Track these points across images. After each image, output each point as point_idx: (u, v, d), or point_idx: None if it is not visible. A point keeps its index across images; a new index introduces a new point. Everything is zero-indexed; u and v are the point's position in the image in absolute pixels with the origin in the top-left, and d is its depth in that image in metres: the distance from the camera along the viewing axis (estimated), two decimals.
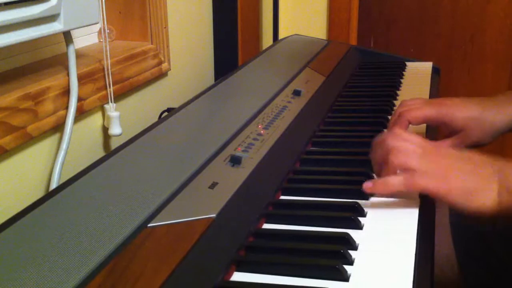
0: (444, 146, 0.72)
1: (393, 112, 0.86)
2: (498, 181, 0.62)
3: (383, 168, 0.68)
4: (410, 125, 0.81)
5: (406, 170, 0.65)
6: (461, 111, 0.81)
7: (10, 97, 0.74)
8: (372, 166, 0.72)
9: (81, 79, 0.86)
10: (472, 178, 0.63)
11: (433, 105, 0.82)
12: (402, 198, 0.67)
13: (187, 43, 1.29)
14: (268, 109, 0.89)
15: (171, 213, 0.57)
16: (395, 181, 0.64)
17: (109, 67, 0.92)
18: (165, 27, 1.12)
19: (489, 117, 0.80)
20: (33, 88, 0.78)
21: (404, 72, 1.25)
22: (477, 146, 0.81)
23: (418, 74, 1.25)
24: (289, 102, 0.94)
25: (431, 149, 0.67)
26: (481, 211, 0.61)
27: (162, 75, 1.16)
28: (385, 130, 0.84)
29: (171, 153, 0.73)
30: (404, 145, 0.66)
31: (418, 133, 0.86)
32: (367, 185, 0.66)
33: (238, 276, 0.54)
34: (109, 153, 0.71)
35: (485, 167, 0.64)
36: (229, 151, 0.72)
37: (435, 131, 0.90)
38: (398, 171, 0.66)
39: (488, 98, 0.84)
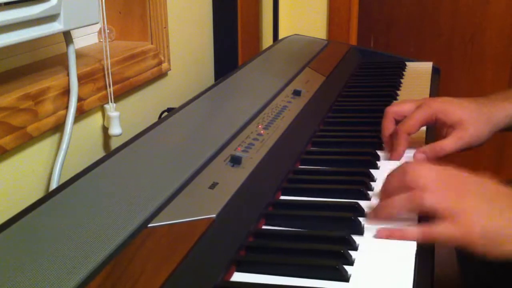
0: (461, 175, 0.63)
1: (384, 117, 0.84)
2: None
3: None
4: (412, 133, 0.80)
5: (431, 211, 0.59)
6: (455, 107, 0.79)
7: (10, 97, 0.74)
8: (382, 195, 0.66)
9: (81, 79, 0.86)
10: (496, 222, 0.57)
11: (425, 105, 0.80)
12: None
13: (187, 43, 1.29)
14: (268, 109, 0.89)
15: (171, 213, 0.57)
16: (414, 231, 0.59)
17: (109, 67, 0.92)
18: (165, 27, 1.12)
19: (484, 114, 0.79)
20: (33, 88, 0.78)
21: (404, 72, 1.25)
22: (474, 145, 0.79)
23: (418, 74, 1.25)
24: (289, 102, 0.94)
25: (456, 183, 0.61)
26: (506, 257, 0.56)
27: (162, 75, 1.16)
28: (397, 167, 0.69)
29: (171, 153, 0.73)
30: (419, 196, 0.60)
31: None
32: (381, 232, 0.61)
33: (238, 276, 0.54)
34: (109, 153, 0.71)
35: (509, 208, 0.59)
36: (229, 151, 0.72)
37: (434, 132, 0.90)
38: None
39: (483, 97, 0.83)
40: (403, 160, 0.80)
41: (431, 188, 0.59)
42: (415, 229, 0.59)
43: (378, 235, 0.59)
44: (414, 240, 0.58)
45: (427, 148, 0.79)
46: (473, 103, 0.80)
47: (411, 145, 0.81)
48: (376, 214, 0.63)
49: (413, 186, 0.60)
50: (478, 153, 1.88)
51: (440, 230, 0.58)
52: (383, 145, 0.84)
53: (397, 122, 0.83)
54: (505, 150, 1.91)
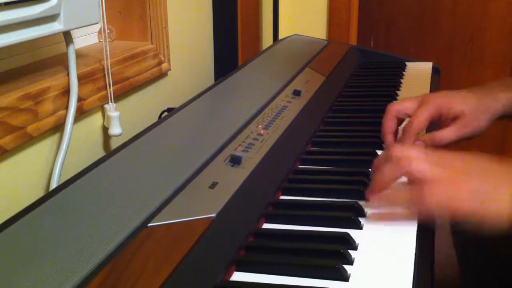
0: (447, 153, 0.66)
1: (385, 115, 0.83)
2: (510, 185, 0.58)
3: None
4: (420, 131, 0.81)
5: (417, 178, 0.61)
6: (456, 99, 0.81)
7: (10, 97, 0.74)
8: (372, 182, 0.66)
9: (81, 79, 0.86)
10: (484, 182, 0.58)
11: (428, 102, 0.81)
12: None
13: (187, 43, 1.29)
14: (268, 109, 0.89)
15: (171, 213, 0.57)
16: (401, 194, 0.62)
17: (109, 67, 0.92)
18: (165, 27, 1.12)
19: (482, 102, 0.81)
20: (33, 88, 0.78)
21: (404, 72, 1.25)
22: (474, 135, 0.81)
23: (418, 74, 1.25)
24: (289, 102, 0.94)
25: (438, 157, 0.63)
26: (494, 219, 0.56)
27: (162, 75, 1.16)
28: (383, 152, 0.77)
29: (171, 153, 0.73)
30: (412, 153, 0.63)
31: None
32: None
33: (238, 276, 0.54)
34: (109, 153, 0.71)
35: (495, 170, 0.61)
36: (229, 151, 0.72)
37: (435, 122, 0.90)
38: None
39: (480, 87, 0.85)
40: None
41: (418, 157, 0.61)
42: (404, 194, 0.61)
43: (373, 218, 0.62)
44: (406, 212, 0.60)
45: (427, 137, 0.80)
46: (471, 94, 0.83)
47: None
48: (372, 188, 0.64)
49: (400, 157, 0.62)
50: (480, 145, 1.88)
51: (429, 197, 0.58)
52: (383, 145, 0.84)
53: (399, 120, 0.83)
54: (506, 150, 1.90)
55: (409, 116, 0.81)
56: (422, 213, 0.60)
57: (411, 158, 0.61)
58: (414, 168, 0.61)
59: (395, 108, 0.82)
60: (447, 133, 0.80)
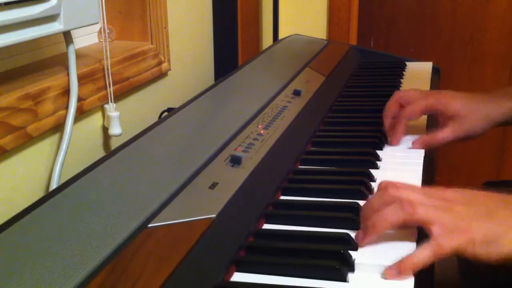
0: (448, 193, 0.61)
1: (390, 98, 0.88)
2: None
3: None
4: (410, 120, 0.85)
5: (421, 224, 0.57)
6: (456, 100, 0.84)
7: (10, 97, 0.74)
8: (362, 219, 0.61)
9: (81, 79, 0.86)
10: (492, 224, 0.56)
11: (429, 96, 0.85)
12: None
13: (187, 43, 1.29)
14: (268, 109, 0.89)
15: (171, 213, 0.57)
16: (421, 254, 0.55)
17: (109, 67, 0.92)
18: (165, 27, 1.12)
19: (482, 107, 0.83)
20: (33, 88, 0.78)
21: (404, 72, 1.25)
22: (470, 137, 0.84)
23: (418, 74, 1.25)
24: (289, 102, 0.94)
25: (440, 199, 0.59)
26: (505, 260, 0.55)
27: (162, 75, 1.16)
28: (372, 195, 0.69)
29: (171, 153, 0.73)
30: (412, 196, 0.58)
31: (418, 127, 0.88)
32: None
33: (238, 276, 0.54)
34: (109, 153, 0.71)
35: (499, 210, 0.57)
36: (229, 151, 0.72)
37: (435, 123, 0.91)
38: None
39: (484, 93, 0.87)
40: (401, 151, 0.84)
41: (421, 202, 0.57)
42: (422, 252, 0.55)
43: (387, 276, 0.53)
44: (427, 264, 0.54)
45: (426, 138, 0.84)
46: (473, 98, 0.85)
47: (412, 132, 0.86)
48: (366, 233, 0.58)
49: (398, 200, 0.57)
50: (479, 154, 1.88)
51: (447, 243, 0.54)
52: (383, 128, 0.88)
53: (401, 106, 0.87)
54: (506, 150, 1.90)
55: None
56: (436, 258, 0.55)
57: (414, 202, 0.57)
58: (420, 214, 0.56)
59: (400, 95, 0.87)
60: (444, 133, 0.83)
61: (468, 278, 0.96)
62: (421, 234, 0.60)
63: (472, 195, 0.60)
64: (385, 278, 0.53)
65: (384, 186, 0.60)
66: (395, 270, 0.53)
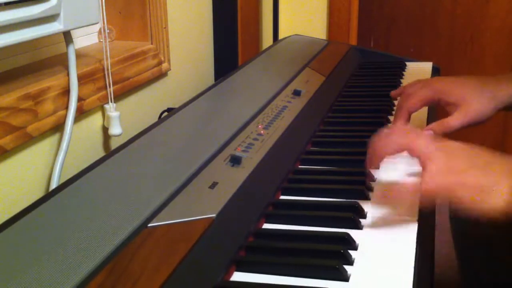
0: (452, 142, 0.65)
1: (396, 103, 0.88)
2: (509, 180, 0.57)
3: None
4: (413, 110, 0.83)
5: (419, 155, 0.60)
6: (458, 85, 0.82)
7: (10, 97, 0.74)
8: (372, 150, 0.65)
9: (81, 79, 0.86)
10: (485, 175, 0.58)
11: (428, 85, 0.84)
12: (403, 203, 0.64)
13: (187, 43, 1.29)
14: (268, 109, 0.89)
15: (171, 213, 0.57)
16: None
17: (109, 67, 0.92)
18: (165, 27, 1.12)
19: (488, 91, 0.81)
20: (33, 88, 0.78)
21: (404, 72, 1.25)
22: (479, 121, 0.81)
23: (418, 74, 1.25)
24: (289, 102, 0.94)
25: (443, 144, 0.62)
26: (492, 212, 0.56)
27: (162, 75, 1.16)
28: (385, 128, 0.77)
29: (171, 153, 0.73)
30: (416, 139, 0.62)
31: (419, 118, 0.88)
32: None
33: (238, 276, 0.54)
34: (109, 153, 0.71)
35: (496, 164, 0.60)
36: (229, 151, 0.72)
37: (435, 115, 0.91)
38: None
39: (488, 76, 0.85)
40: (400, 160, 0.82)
41: (425, 136, 0.61)
42: (413, 185, 0.59)
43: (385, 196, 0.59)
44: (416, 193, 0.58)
45: (435, 125, 0.80)
46: (476, 80, 0.83)
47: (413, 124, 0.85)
48: (370, 159, 0.63)
49: (408, 130, 0.62)
50: (482, 135, 1.88)
51: (439, 179, 0.57)
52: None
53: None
54: (506, 150, 1.90)
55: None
56: (422, 197, 0.59)
57: (419, 134, 0.61)
58: (420, 144, 0.60)
59: (403, 90, 0.87)
60: (454, 120, 0.80)
61: (468, 278, 0.96)
62: (421, 233, 0.60)
63: (473, 148, 0.62)
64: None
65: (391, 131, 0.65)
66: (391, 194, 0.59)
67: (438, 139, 0.64)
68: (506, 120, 1.88)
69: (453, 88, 0.81)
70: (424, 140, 0.60)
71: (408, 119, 0.84)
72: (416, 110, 0.84)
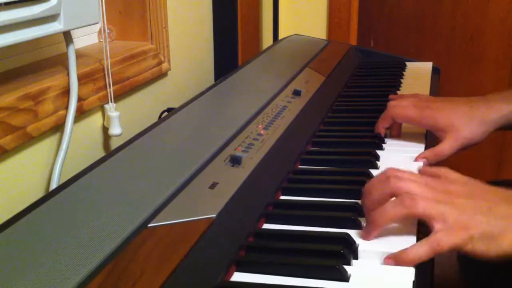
0: (448, 177, 0.62)
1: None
2: None
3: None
4: (396, 120, 0.86)
5: (424, 219, 0.57)
6: (446, 112, 0.81)
7: (10, 97, 0.74)
8: (366, 211, 0.62)
9: (81, 79, 0.86)
10: (491, 223, 0.55)
11: (418, 108, 0.84)
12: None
13: (187, 43, 1.29)
14: (268, 109, 0.89)
15: (171, 213, 0.57)
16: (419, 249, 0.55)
17: (109, 67, 0.92)
18: (165, 27, 1.12)
19: (478, 114, 0.81)
20: (33, 88, 0.78)
21: (404, 72, 1.25)
22: (469, 145, 0.81)
23: (418, 74, 1.25)
24: (289, 102, 0.94)
25: (441, 186, 0.59)
26: (502, 256, 0.54)
27: (162, 75, 1.16)
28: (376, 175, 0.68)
29: (171, 153, 0.73)
30: (416, 189, 0.58)
31: (417, 133, 0.88)
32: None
33: (238, 276, 0.54)
34: (109, 153, 0.71)
35: (500, 206, 0.57)
36: (229, 151, 0.72)
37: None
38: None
39: (477, 97, 0.84)
40: (401, 151, 0.83)
41: (419, 192, 0.58)
42: (420, 247, 0.55)
43: (385, 262, 0.55)
44: (422, 260, 0.55)
45: (428, 153, 0.80)
46: (465, 105, 0.82)
47: (412, 140, 0.86)
48: (370, 228, 0.59)
49: (399, 192, 0.58)
50: (479, 154, 1.88)
51: (446, 239, 0.54)
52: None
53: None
54: (506, 150, 1.91)
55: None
56: (432, 255, 0.56)
57: (415, 196, 0.57)
58: (420, 209, 0.56)
59: (390, 110, 0.87)
60: (446, 147, 0.80)
61: (468, 278, 0.96)
62: (421, 232, 0.60)
63: (474, 188, 0.60)
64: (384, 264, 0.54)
65: (386, 174, 0.61)
66: (393, 261, 0.55)
67: (432, 172, 0.63)
68: (503, 139, 1.88)
69: (442, 115, 0.81)
70: (421, 201, 0.56)
71: (399, 129, 0.88)
72: (399, 122, 0.86)
